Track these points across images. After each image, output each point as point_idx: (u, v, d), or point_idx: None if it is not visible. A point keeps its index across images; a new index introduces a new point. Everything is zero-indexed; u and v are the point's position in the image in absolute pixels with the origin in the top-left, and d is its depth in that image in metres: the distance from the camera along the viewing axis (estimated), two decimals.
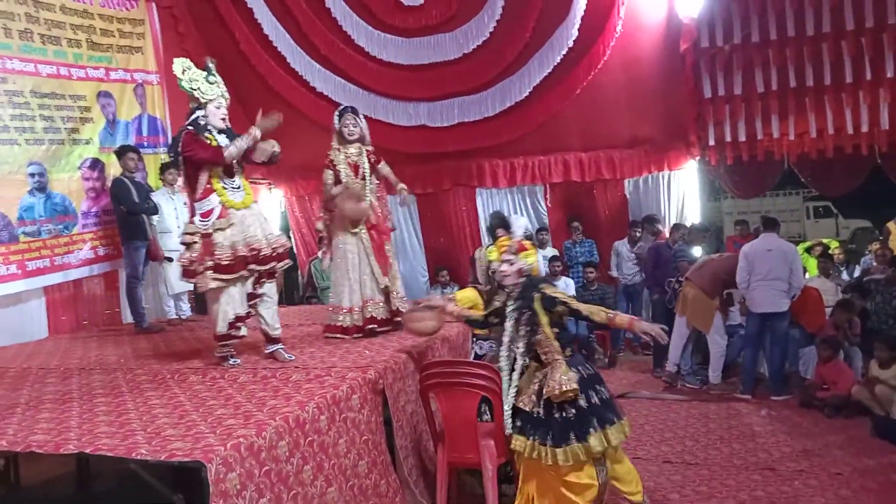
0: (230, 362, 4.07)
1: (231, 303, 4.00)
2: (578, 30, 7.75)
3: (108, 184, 6.40)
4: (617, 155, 8.23)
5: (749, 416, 5.42)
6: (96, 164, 6.56)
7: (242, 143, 4.00)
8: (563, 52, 7.92)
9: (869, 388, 5.28)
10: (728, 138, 7.88)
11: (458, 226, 8.83)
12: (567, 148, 8.40)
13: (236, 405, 3.16)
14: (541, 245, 8.26)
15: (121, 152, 6.24)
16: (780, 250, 5.91)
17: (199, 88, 4.01)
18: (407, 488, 3.66)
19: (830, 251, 8.58)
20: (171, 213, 6.43)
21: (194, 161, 3.92)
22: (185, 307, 6.73)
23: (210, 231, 3.93)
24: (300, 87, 8.72)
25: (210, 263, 3.90)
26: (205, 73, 4.04)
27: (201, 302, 7.15)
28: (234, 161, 4.03)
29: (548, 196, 8.61)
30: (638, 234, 7.93)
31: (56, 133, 6.19)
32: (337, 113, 4.82)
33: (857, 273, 8.50)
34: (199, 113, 4.00)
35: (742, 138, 7.84)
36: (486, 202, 8.73)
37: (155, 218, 6.24)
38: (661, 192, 8.19)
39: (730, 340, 6.37)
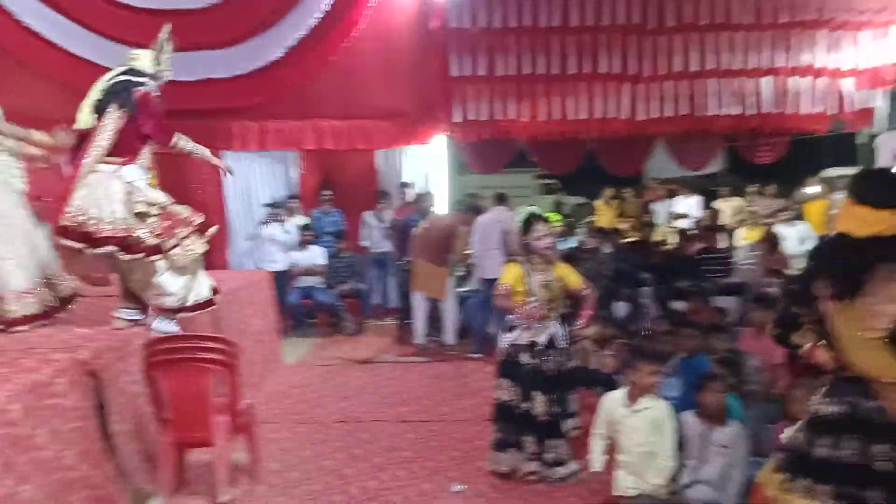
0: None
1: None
2: None
3: None
4: (371, 125, 8.27)
5: (476, 374, 5.82)
6: None
7: None
8: (318, 16, 7.72)
9: None
10: (472, 116, 8.41)
11: (201, 191, 8.22)
12: (322, 115, 8.25)
13: None
14: (290, 213, 8.07)
15: None
16: (507, 222, 6.50)
17: None
18: (126, 476, 3.36)
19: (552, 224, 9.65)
20: None
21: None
22: None
23: (167, 203, 3.90)
24: (13, 26, 7.36)
25: (186, 232, 3.81)
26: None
27: None
28: None
29: (302, 163, 8.41)
30: (382, 205, 8.15)
31: None
32: None
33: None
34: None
35: (484, 118, 8.41)
36: (234, 167, 8.23)
37: None
38: (411, 164, 8.47)
39: (465, 304, 6.88)
